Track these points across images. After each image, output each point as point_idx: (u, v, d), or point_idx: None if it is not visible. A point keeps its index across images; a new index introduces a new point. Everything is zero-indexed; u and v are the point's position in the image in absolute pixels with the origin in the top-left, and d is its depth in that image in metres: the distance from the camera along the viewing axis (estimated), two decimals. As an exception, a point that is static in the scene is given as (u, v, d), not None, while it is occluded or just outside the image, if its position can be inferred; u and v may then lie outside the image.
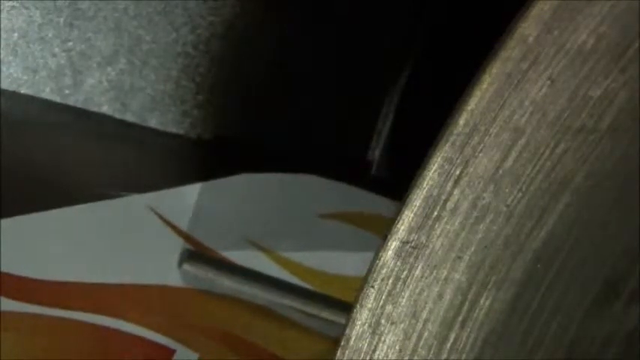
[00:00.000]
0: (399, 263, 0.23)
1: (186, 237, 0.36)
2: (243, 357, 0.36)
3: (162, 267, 0.35)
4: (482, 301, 0.23)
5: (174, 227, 0.35)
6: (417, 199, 0.23)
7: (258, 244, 0.36)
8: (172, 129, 0.38)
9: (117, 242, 0.35)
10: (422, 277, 0.23)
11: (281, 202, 0.36)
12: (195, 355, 0.35)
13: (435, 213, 0.23)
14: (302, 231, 0.36)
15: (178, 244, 0.36)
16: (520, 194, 0.22)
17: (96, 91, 0.37)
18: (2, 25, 0.36)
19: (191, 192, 0.35)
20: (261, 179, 0.36)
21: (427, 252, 0.23)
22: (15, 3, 0.36)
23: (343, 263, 0.36)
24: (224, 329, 0.36)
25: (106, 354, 0.35)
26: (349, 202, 0.36)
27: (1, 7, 0.33)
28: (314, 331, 0.36)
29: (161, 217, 0.35)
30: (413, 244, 0.23)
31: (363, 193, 0.36)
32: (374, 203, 0.36)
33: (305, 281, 0.36)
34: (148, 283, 0.35)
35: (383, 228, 0.35)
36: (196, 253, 0.36)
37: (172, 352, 0.35)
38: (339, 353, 0.24)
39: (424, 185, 0.23)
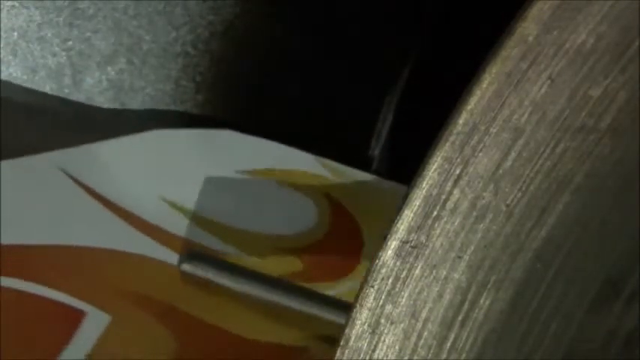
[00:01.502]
0: (398, 263, 0.23)
1: (97, 196, 0.35)
2: (157, 319, 0.35)
3: (74, 227, 0.34)
4: (482, 301, 0.23)
5: (84, 186, 0.34)
6: (417, 198, 0.23)
7: (174, 203, 0.34)
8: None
9: (26, 202, 0.34)
10: (421, 276, 0.23)
11: (197, 159, 0.34)
12: (108, 317, 0.35)
13: (435, 213, 0.23)
14: (219, 188, 0.34)
15: (90, 203, 0.35)
16: (520, 194, 0.22)
17: (95, 91, 0.37)
18: (2, 25, 0.36)
19: (101, 150, 0.34)
20: (174, 135, 0.34)
21: (427, 252, 0.23)
22: (15, 3, 0.36)
23: (261, 221, 0.35)
24: (138, 290, 0.35)
25: (13, 317, 0.34)
26: (268, 158, 0.35)
27: (1, 6, 0.33)
28: (238, 296, 0.36)
29: (70, 176, 0.34)
30: (413, 244, 0.23)
31: (283, 147, 0.35)
32: (293, 159, 0.35)
33: (222, 239, 0.35)
34: (58, 244, 0.34)
35: (303, 183, 0.34)
36: (196, 253, 0.36)
37: (83, 314, 0.34)
38: (338, 353, 0.24)
39: (424, 185, 0.23)
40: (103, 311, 0.34)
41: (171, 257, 0.35)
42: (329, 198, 0.35)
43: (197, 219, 0.34)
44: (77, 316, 0.34)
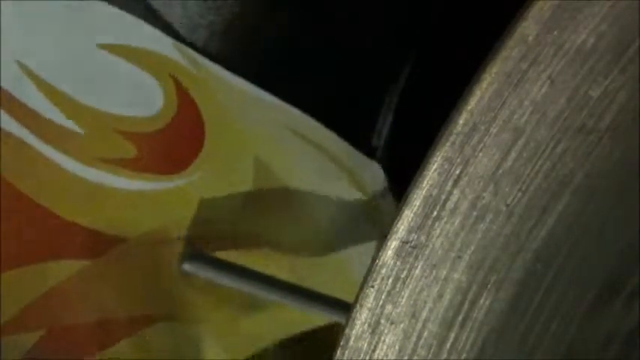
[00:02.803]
0: (398, 263, 0.23)
1: None
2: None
3: None
4: (482, 301, 0.23)
5: None
6: (417, 198, 0.23)
7: (31, 72, 0.33)
8: None
9: None
10: (421, 276, 0.23)
11: (58, 29, 0.32)
12: None
13: (435, 213, 0.23)
14: (76, 60, 0.33)
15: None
16: (520, 194, 0.22)
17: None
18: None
19: None
20: (34, 3, 0.32)
21: (427, 252, 0.23)
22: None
23: (106, 99, 0.33)
24: None
25: None
26: (128, 35, 0.33)
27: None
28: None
29: None
30: (413, 244, 0.23)
31: (147, 27, 0.33)
32: (153, 40, 0.33)
33: (65, 114, 0.33)
34: None
35: (156, 67, 0.33)
36: (196, 253, 0.36)
37: None
38: (339, 353, 0.24)
39: (424, 185, 0.23)
40: None
41: (8, 124, 0.33)
42: (178, 86, 0.34)
43: (46, 89, 0.33)
44: None
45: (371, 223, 0.38)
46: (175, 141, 0.34)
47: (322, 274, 0.38)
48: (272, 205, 0.37)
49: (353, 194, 0.37)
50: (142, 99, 0.34)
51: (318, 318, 0.38)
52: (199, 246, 0.36)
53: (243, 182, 0.36)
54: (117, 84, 0.33)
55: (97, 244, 0.35)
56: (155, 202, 0.35)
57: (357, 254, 0.39)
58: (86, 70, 0.33)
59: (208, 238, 0.36)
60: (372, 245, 0.39)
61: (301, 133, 0.35)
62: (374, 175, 0.37)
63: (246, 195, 0.36)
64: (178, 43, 0.33)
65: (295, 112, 0.35)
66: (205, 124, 0.34)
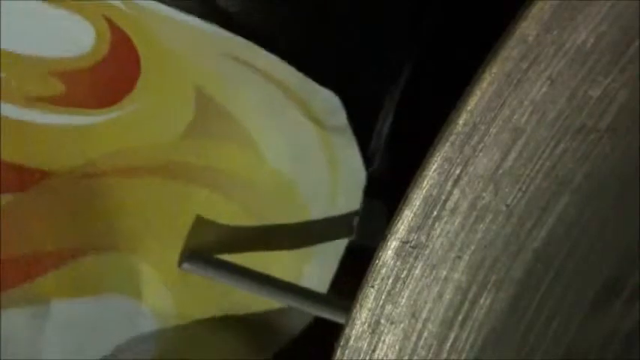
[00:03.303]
0: (398, 263, 0.23)
1: None
2: None
3: None
4: (482, 301, 0.23)
5: None
6: (417, 198, 0.23)
7: None
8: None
9: None
10: (421, 276, 0.23)
11: None
12: None
13: (435, 213, 0.23)
14: (6, 12, 0.32)
15: None
16: (520, 194, 0.22)
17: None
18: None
19: None
20: None
21: (427, 252, 0.23)
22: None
23: (42, 44, 0.33)
24: None
25: None
26: None
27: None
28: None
29: None
30: (413, 244, 0.23)
31: None
32: None
33: None
34: None
35: (95, 10, 0.33)
36: (196, 253, 0.36)
37: None
38: (339, 353, 0.24)
39: (424, 185, 0.23)
40: None
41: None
42: (111, 25, 0.33)
43: None
44: None
45: (327, 157, 0.37)
46: (108, 76, 0.34)
47: (274, 205, 0.38)
48: (217, 134, 0.36)
49: (304, 124, 0.37)
50: (71, 40, 0.33)
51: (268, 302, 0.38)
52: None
53: (184, 113, 0.36)
54: (46, 29, 0.33)
55: (21, 178, 0.35)
56: (83, 136, 0.35)
57: (310, 183, 0.38)
58: (13, 19, 0.33)
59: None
60: (327, 178, 0.38)
61: (244, 60, 0.35)
62: (328, 106, 0.36)
63: (188, 125, 0.36)
64: None
65: (237, 40, 0.34)
66: (141, 58, 0.34)
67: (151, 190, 0.36)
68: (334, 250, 0.39)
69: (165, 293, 0.38)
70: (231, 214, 0.37)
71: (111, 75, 0.34)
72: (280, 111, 0.36)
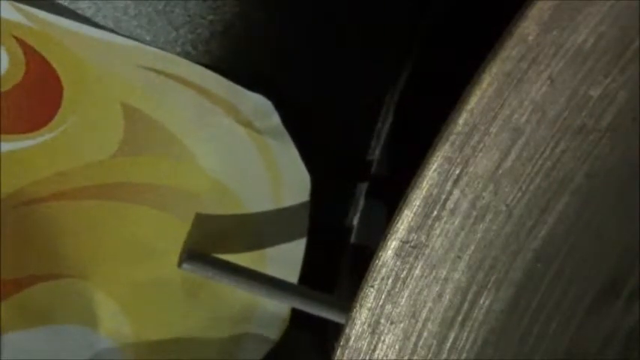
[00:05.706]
0: (398, 263, 0.23)
1: None
2: None
3: None
4: (481, 301, 0.23)
5: None
6: (417, 198, 0.23)
7: None
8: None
9: None
10: (421, 276, 0.23)
11: None
12: None
13: (435, 212, 0.23)
14: None
15: None
16: (520, 194, 0.22)
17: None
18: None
19: None
20: None
21: (427, 251, 0.23)
22: (15, 4, 0.36)
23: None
24: None
25: None
26: None
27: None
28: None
29: None
30: (412, 244, 0.23)
31: None
32: None
33: None
34: None
35: (3, 31, 0.32)
36: (196, 253, 0.36)
37: None
38: (338, 353, 0.24)
39: (424, 185, 0.23)
40: None
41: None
42: (23, 45, 0.33)
43: None
44: None
45: (264, 160, 0.37)
46: (30, 98, 0.34)
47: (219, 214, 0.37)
48: (151, 150, 0.36)
49: (236, 129, 0.36)
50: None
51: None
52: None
53: (114, 129, 0.35)
54: None
55: None
56: (17, 162, 0.35)
57: (250, 188, 0.37)
58: None
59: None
60: (267, 180, 0.37)
61: (162, 70, 0.34)
62: (259, 109, 0.36)
63: (120, 142, 0.35)
64: (16, 4, 0.32)
65: (152, 50, 0.34)
66: (61, 77, 0.34)
67: (92, 213, 0.36)
68: (291, 253, 0.38)
69: (122, 319, 0.37)
70: (177, 228, 0.37)
71: (33, 95, 0.34)
72: (210, 119, 0.35)
